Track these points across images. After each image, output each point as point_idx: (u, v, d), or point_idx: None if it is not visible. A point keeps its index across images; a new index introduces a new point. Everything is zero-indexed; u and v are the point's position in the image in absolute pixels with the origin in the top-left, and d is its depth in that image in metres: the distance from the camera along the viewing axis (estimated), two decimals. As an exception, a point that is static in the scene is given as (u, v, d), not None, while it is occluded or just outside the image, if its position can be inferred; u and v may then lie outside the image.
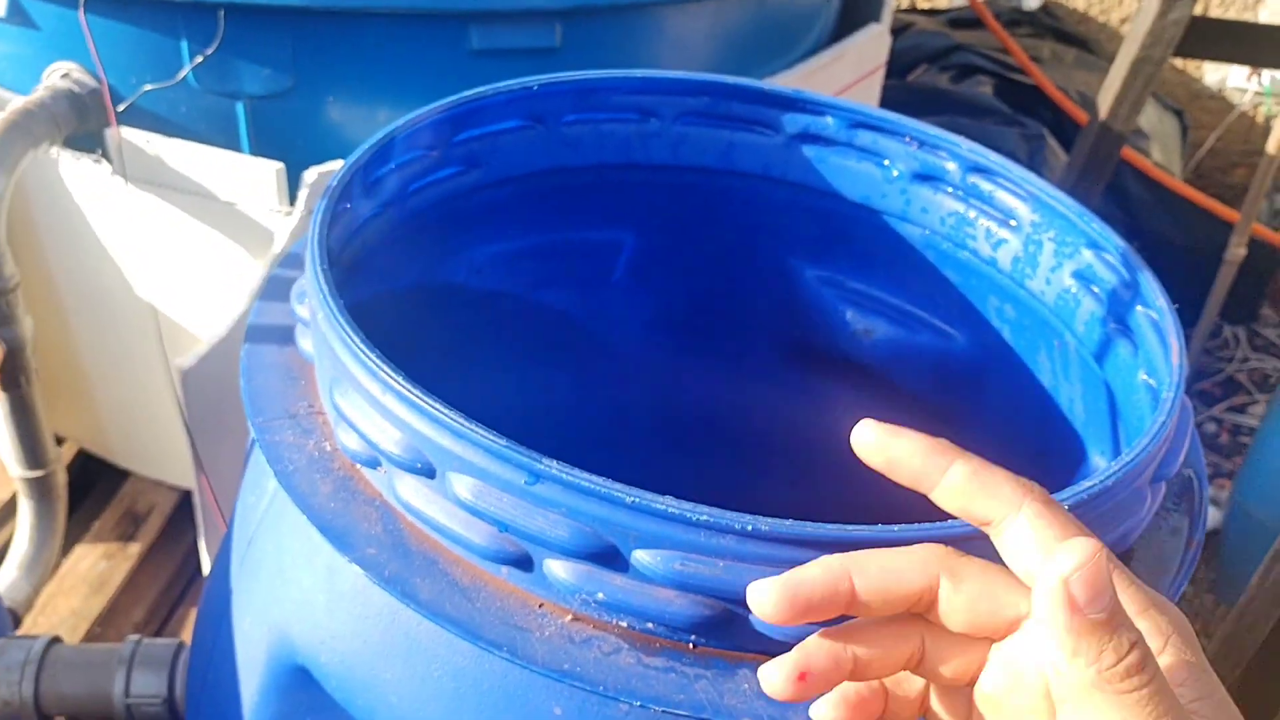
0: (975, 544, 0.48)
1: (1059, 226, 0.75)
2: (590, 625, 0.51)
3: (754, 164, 0.86)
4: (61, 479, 1.28)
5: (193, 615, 1.39)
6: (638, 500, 0.47)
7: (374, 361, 0.52)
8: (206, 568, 1.29)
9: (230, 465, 1.23)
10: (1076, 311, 0.74)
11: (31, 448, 1.24)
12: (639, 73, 0.81)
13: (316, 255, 0.58)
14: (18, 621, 1.18)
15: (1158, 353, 0.64)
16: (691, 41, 1.43)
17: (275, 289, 0.66)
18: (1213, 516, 1.91)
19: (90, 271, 1.35)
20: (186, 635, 1.36)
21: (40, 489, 1.26)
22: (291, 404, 0.59)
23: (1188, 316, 2.06)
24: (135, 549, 1.41)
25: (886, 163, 0.82)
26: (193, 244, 1.27)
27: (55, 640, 0.85)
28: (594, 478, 0.48)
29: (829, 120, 0.83)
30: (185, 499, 1.48)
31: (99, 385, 1.46)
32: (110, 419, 1.49)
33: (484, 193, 0.80)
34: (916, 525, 0.48)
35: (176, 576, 1.43)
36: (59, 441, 1.32)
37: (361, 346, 0.52)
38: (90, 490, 1.51)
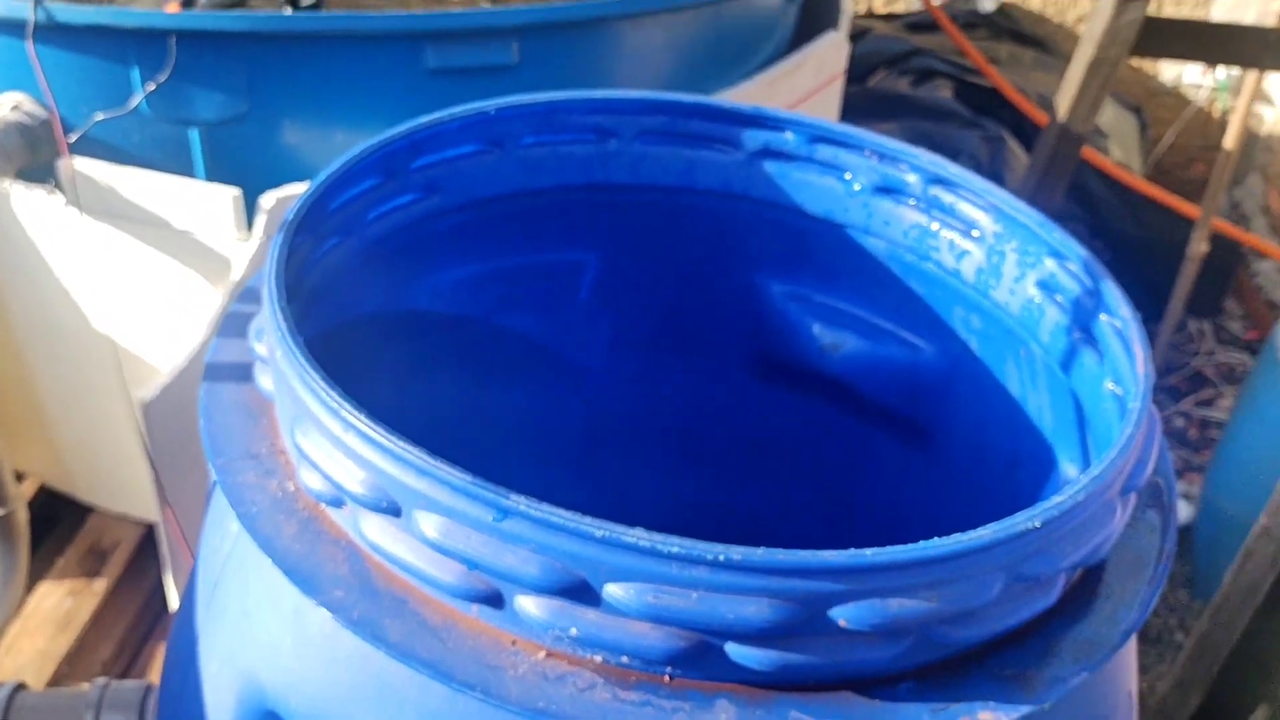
0: (955, 563, 0.48)
1: (1021, 236, 0.75)
2: (564, 661, 0.50)
3: (715, 181, 0.86)
4: (23, 517, 1.25)
5: (162, 651, 1.36)
6: (608, 534, 0.46)
7: (335, 400, 0.51)
8: (173, 602, 1.27)
9: (195, 497, 1.21)
10: (1041, 321, 0.74)
11: (-9, 486, 1.22)
12: (598, 93, 0.81)
13: (274, 291, 0.57)
14: (-18, 664, 1.16)
15: (1123, 361, 0.64)
16: (650, 55, 1.43)
17: (232, 325, 0.65)
18: (1184, 511, 1.93)
19: (46, 305, 1.33)
20: (156, 672, 1.34)
21: (2, 529, 1.24)
22: (252, 444, 0.58)
23: (1153, 311, 2.08)
24: (101, 585, 1.38)
25: (848, 176, 0.82)
26: (150, 274, 1.26)
27: (20, 687, 0.83)
28: (563, 512, 0.47)
29: (789, 136, 0.83)
30: (150, 533, 1.46)
31: (58, 420, 1.44)
32: (71, 454, 1.47)
33: (445, 218, 0.79)
34: (889, 548, 0.48)
35: (144, 612, 1.40)
36: (19, 478, 1.30)
37: (322, 385, 0.51)
38: (53, 527, 1.49)
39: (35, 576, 1.38)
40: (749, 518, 1.01)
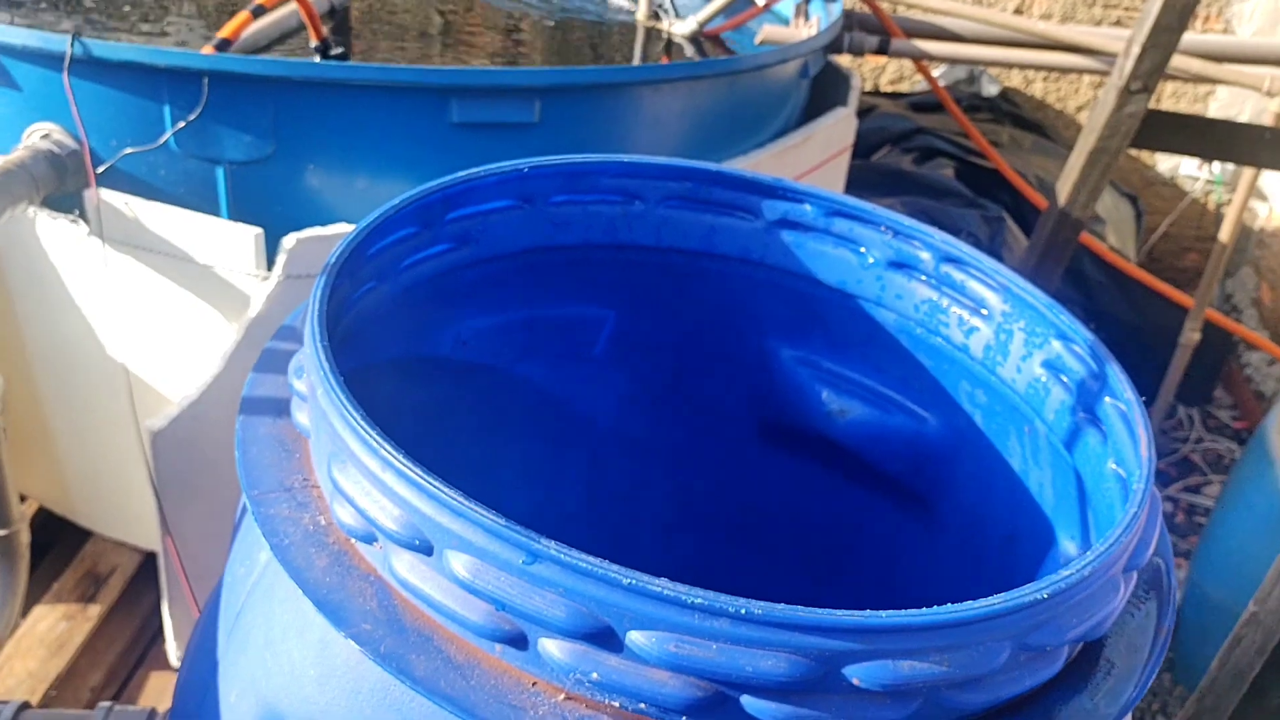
0: (965, 629, 0.50)
1: (1029, 317, 0.78)
2: (583, 705, 0.51)
3: (734, 247, 0.88)
4: (25, 538, 1.26)
5: (152, 679, 1.37)
6: (634, 582, 0.48)
7: (374, 438, 0.53)
8: (169, 629, 1.27)
9: (196, 528, 1.22)
10: (1046, 400, 0.76)
11: (-5, 506, 1.23)
12: (626, 157, 0.83)
13: (316, 331, 0.59)
14: (-27, 684, 1.16)
15: (1126, 444, 0.67)
16: (665, 120, 1.47)
17: (270, 361, 0.67)
18: (1166, 595, 1.94)
19: (61, 330, 1.35)
20: (144, 699, 1.34)
21: (3, 548, 1.24)
22: (286, 477, 0.60)
23: (1142, 396, 2.11)
24: (95, 610, 1.39)
25: (863, 250, 0.85)
26: (168, 306, 1.28)
27: (25, 705, 0.84)
28: (591, 559, 0.49)
29: (808, 208, 0.86)
30: (147, 561, 1.47)
31: (64, 444, 1.45)
32: (74, 478, 1.48)
33: (473, 269, 0.81)
34: (905, 612, 0.50)
35: (136, 639, 1.41)
36: (20, 499, 1.30)
37: (362, 423, 0.53)
38: (50, 549, 1.49)
39: (31, 599, 1.39)
40: (742, 576, 1.02)
